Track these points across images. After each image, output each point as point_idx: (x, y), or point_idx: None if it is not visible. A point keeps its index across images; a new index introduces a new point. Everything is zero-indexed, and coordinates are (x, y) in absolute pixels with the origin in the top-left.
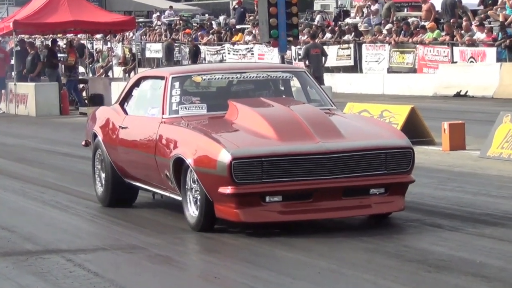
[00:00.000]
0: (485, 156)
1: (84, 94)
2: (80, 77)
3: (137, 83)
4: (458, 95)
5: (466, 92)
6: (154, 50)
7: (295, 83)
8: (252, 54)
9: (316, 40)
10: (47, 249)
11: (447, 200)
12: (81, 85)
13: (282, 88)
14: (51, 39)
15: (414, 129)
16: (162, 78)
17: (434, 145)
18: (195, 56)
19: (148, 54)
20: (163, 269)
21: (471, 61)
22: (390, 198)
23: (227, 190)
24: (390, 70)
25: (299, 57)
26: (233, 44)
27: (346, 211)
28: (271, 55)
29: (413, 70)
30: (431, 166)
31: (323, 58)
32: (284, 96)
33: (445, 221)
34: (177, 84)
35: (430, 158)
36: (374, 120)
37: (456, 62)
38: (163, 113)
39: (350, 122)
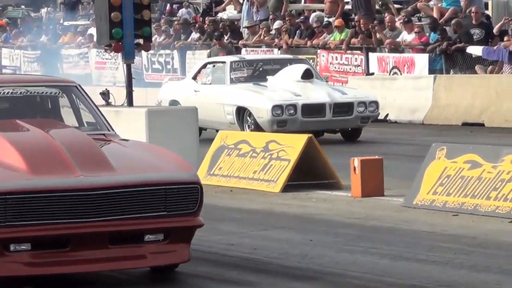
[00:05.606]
0: (411, 205)
1: None
2: None
3: None
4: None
5: (387, 115)
6: None
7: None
8: (87, 61)
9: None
10: None
11: (357, 266)
12: None
13: (50, 107)
14: None
15: (313, 167)
16: None
17: (341, 189)
18: None
19: None
20: None
21: (394, 73)
22: (171, 247)
23: None
24: None
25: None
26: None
27: (114, 262)
28: (116, 64)
29: None
30: (335, 219)
31: None
32: (51, 118)
33: None
34: None
35: (334, 208)
36: (159, 149)
37: (372, 74)
38: None
39: (128, 151)
